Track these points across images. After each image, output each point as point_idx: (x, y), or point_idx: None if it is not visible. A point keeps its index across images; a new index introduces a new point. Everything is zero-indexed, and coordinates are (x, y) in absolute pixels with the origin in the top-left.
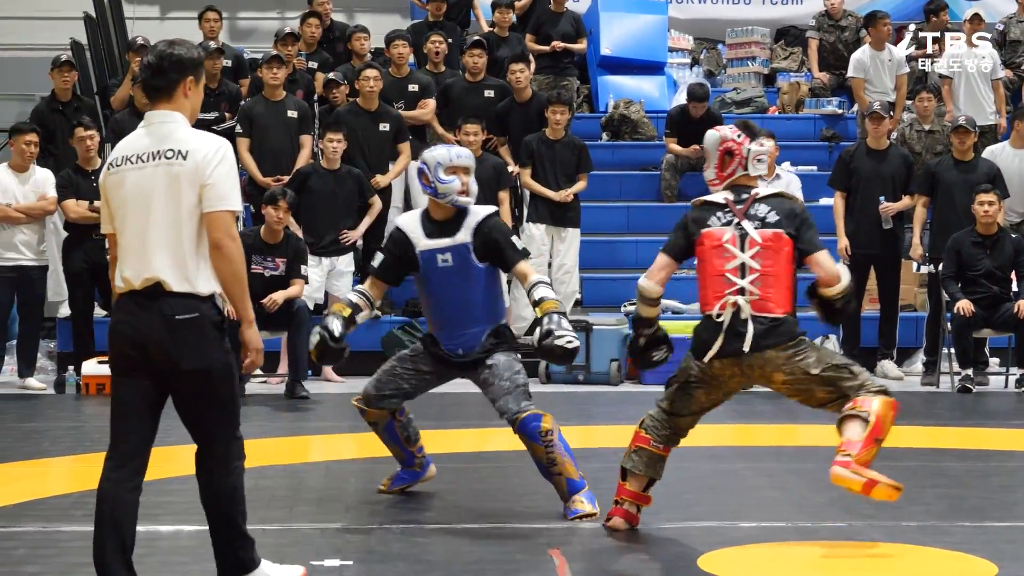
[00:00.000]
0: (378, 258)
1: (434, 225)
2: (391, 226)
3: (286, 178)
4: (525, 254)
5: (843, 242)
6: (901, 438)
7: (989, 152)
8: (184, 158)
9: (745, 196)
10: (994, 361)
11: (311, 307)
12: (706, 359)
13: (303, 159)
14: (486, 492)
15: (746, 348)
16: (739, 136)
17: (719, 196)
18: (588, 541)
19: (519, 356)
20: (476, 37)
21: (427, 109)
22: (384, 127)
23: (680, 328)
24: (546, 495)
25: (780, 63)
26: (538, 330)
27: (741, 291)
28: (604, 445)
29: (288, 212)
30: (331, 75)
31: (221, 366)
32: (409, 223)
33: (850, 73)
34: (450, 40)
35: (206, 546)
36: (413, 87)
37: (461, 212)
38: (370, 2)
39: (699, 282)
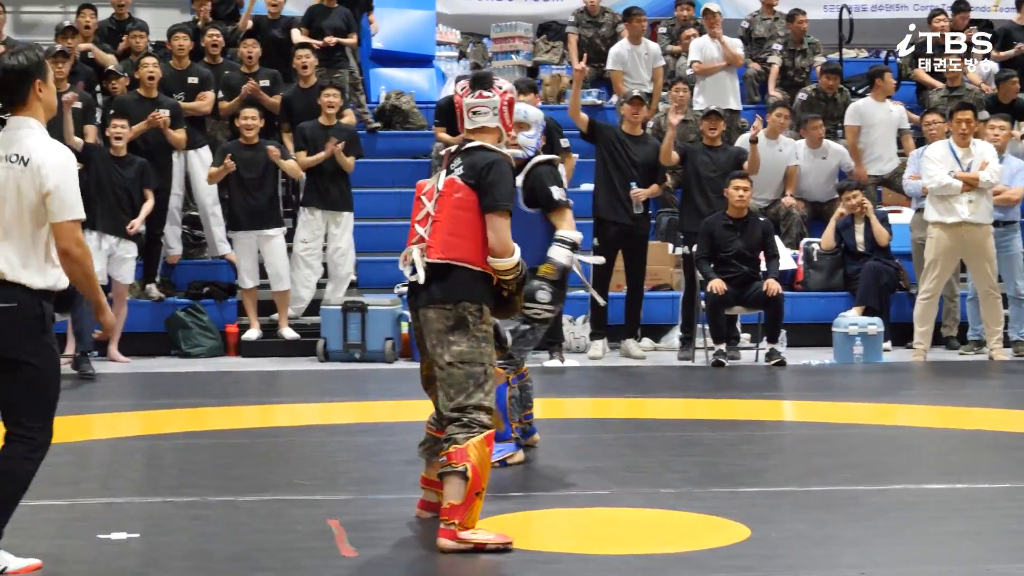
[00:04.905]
0: None
1: None
2: (174, 215)
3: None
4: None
5: None
6: (658, 410)
7: (742, 141)
8: (24, 164)
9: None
10: (745, 336)
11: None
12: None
13: None
14: (267, 466)
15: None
16: (461, 88)
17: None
18: (364, 511)
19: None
20: (249, 27)
21: (206, 101)
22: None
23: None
24: (323, 467)
25: (542, 56)
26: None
27: (422, 240)
28: (379, 420)
29: None
30: (110, 67)
31: (32, 359)
32: None
33: (609, 66)
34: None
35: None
36: (193, 79)
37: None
38: None
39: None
